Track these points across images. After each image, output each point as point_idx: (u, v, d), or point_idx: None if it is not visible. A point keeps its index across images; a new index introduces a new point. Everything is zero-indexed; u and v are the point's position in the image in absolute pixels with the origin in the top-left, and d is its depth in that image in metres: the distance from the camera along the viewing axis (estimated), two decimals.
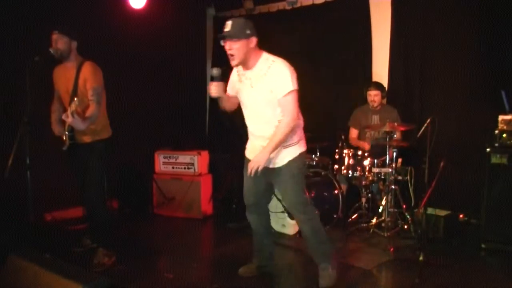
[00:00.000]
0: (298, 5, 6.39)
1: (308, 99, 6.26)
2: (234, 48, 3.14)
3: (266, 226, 3.80)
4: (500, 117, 4.34)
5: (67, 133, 3.86)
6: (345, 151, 5.02)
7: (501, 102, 4.45)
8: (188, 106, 7.03)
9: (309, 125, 5.67)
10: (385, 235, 4.63)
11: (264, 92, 3.22)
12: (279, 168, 3.39)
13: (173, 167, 5.80)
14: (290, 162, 3.37)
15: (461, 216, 4.92)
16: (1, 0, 4.66)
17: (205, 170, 5.75)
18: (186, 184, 5.61)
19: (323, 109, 6.21)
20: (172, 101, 6.56)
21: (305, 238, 3.57)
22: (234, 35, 3.11)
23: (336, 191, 5.04)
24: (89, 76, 3.83)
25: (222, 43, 3.20)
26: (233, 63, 3.22)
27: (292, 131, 3.29)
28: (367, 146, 5.26)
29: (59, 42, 3.82)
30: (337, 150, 5.11)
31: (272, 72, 3.19)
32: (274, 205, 4.86)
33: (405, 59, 5.57)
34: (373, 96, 5.28)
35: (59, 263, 2.77)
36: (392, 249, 4.31)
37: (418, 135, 4.83)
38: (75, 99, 3.61)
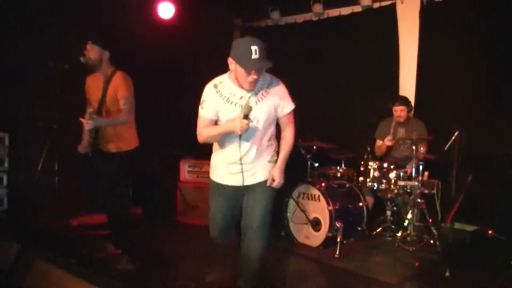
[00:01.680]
0: (325, 16, 6.40)
1: (334, 110, 6.33)
2: (260, 75, 2.96)
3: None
4: None
5: (91, 140, 3.95)
6: (371, 163, 4.97)
7: None
8: None
9: (334, 136, 5.71)
10: (410, 249, 4.55)
11: (268, 109, 3.08)
12: (263, 182, 3.26)
13: (197, 176, 5.84)
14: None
15: (489, 232, 4.80)
16: (32, 8, 4.79)
17: None
18: None
19: (349, 120, 6.17)
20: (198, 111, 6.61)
21: (249, 259, 3.32)
22: (268, 64, 2.90)
23: (360, 204, 4.99)
24: (120, 85, 3.92)
25: (253, 71, 2.89)
26: (254, 88, 2.99)
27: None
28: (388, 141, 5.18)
29: (92, 51, 3.92)
30: (362, 162, 5.07)
31: (275, 89, 3.08)
32: (298, 217, 4.85)
33: (433, 71, 5.51)
34: (399, 111, 5.18)
35: (84, 269, 2.81)
36: (417, 264, 4.24)
37: (446, 148, 4.77)
38: (89, 107, 3.76)
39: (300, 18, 6.67)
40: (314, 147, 5.14)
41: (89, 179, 4.19)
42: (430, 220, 4.76)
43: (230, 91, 3.06)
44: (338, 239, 4.52)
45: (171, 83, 6.20)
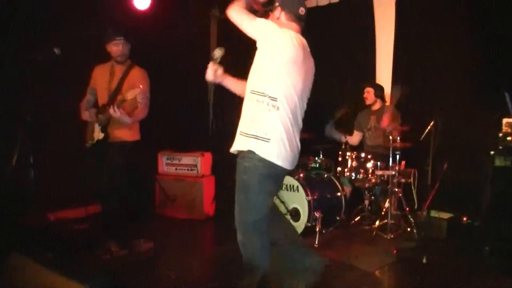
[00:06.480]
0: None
1: (312, 100, 6.32)
2: None
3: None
4: (504, 120, 4.31)
5: (98, 126, 4.01)
6: (348, 153, 5.01)
7: (504, 105, 4.43)
8: (192, 107, 7.03)
9: (312, 126, 5.72)
10: (388, 237, 4.61)
11: None
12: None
13: (176, 168, 5.81)
14: (244, 155, 2.62)
15: (464, 219, 4.89)
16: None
17: (208, 171, 5.75)
18: (189, 185, 5.62)
19: (327, 111, 6.19)
20: (176, 102, 6.56)
21: None
22: None
23: (339, 193, 5.02)
24: (140, 80, 4.08)
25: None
26: None
27: None
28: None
29: (125, 47, 4.15)
30: (340, 152, 5.10)
31: None
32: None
33: (408, 61, 5.56)
34: (366, 93, 5.35)
35: (61, 263, 2.77)
36: (395, 251, 4.30)
37: (422, 138, 4.84)
38: (120, 96, 3.89)
39: None
40: None
41: (93, 171, 4.16)
42: (407, 209, 4.83)
43: None
44: (317, 229, 4.56)
45: (149, 75, 6.12)
